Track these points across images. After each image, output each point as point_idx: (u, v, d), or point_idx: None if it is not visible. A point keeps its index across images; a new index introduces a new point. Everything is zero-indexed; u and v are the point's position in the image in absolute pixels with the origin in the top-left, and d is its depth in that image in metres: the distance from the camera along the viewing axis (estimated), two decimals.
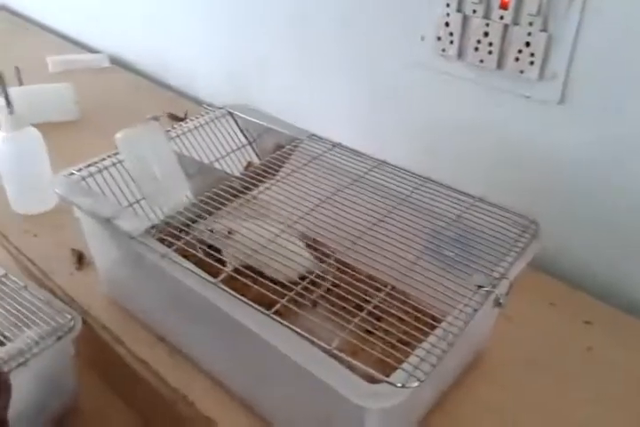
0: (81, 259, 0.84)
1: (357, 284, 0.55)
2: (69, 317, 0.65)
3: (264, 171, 0.75)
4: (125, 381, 0.71)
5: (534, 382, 0.69)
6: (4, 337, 0.63)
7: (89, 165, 0.71)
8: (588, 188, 0.82)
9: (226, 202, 0.69)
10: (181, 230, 0.63)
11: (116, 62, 1.53)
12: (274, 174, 0.75)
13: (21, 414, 0.63)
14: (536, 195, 0.87)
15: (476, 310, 0.51)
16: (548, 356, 0.72)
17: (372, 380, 0.46)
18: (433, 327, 0.50)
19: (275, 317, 0.51)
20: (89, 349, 0.72)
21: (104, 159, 0.72)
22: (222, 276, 0.55)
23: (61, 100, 1.20)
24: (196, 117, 0.83)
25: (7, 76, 0.88)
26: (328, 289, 0.55)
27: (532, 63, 0.78)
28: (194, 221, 0.66)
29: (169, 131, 0.79)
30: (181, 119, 1.18)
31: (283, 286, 0.55)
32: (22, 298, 0.67)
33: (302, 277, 0.56)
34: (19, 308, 0.65)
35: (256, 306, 0.52)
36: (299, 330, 0.49)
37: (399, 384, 0.44)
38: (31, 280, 0.71)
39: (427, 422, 0.63)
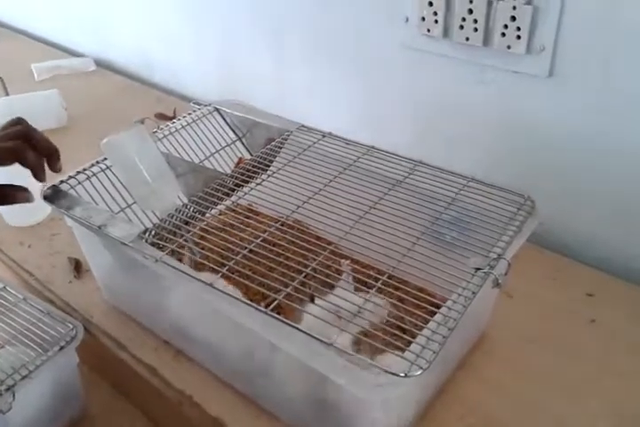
0: (78, 267, 0.83)
1: (354, 274, 0.55)
2: (71, 326, 0.64)
3: (255, 166, 0.74)
4: (132, 385, 0.71)
5: (539, 357, 0.68)
6: (7, 351, 0.62)
7: (78, 173, 0.70)
8: (580, 159, 0.81)
9: (218, 201, 0.68)
10: (175, 233, 0.62)
11: (101, 65, 1.52)
12: (266, 169, 0.74)
13: (32, 424, 0.64)
14: (530, 169, 0.86)
15: (474, 293, 0.50)
16: (552, 330, 0.72)
17: None
18: (433, 313, 0.50)
19: (273, 314, 0.50)
20: (93, 356, 0.71)
21: (93, 166, 0.71)
22: (218, 276, 0.54)
23: (49, 107, 1.20)
24: (183, 116, 0.82)
25: None
26: (324, 282, 0.55)
27: (518, 37, 0.77)
28: (187, 223, 0.65)
29: (155, 132, 0.78)
30: (170, 118, 1.17)
31: (281, 282, 0.54)
32: (22, 310, 0.66)
33: (299, 272, 0.55)
34: (19, 320, 0.65)
35: (253, 304, 0.51)
36: (297, 325, 0.49)
37: (402, 374, 0.43)
38: (30, 292, 0.71)
39: (433, 405, 0.63)
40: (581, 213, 0.85)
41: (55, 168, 0.62)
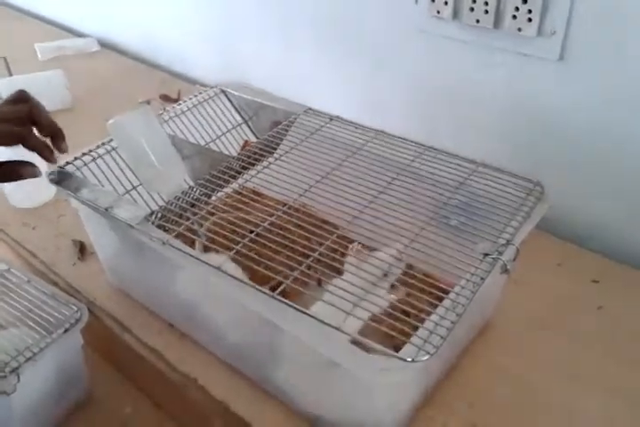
0: (83, 249, 0.83)
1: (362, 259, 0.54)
2: (75, 308, 0.64)
3: (262, 149, 0.73)
4: (136, 368, 0.71)
5: (546, 344, 0.68)
6: (11, 333, 0.62)
7: (83, 154, 0.69)
8: (590, 145, 0.80)
9: (225, 184, 0.68)
10: (181, 215, 0.62)
11: (106, 45, 1.51)
12: (272, 152, 0.73)
13: (36, 406, 0.64)
14: (539, 155, 0.85)
15: (483, 279, 0.50)
16: (559, 317, 0.72)
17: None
18: (440, 298, 0.49)
19: (280, 298, 0.50)
20: (98, 338, 0.71)
21: (98, 147, 0.71)
22: (225, 259, 0.54)
23: (53, 87, 1.19)
24: (189, 98, 0.81)
25: None
26: (331, 266, 0.54)
27: (529, 20, 0.76)
28: (193, 205, 0.64)
29: (162, 113, 0.77)
30: (175, 100, 1.16)
31: (287, 266, 0.54)
32: (26, 292, 0.66)
33: (306, 256, 0.54)
34: (23, 302, 0.65)
35: (260, 288, 0.51)
36: (304, 310, 0.48)
37: (409, 359, 0.43)
38: (34, 274, 0.71)
39: (440, 390, 0.63)
40: (587, 199, 0.84)
41: (61, 149, 0.62)
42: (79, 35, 1.59)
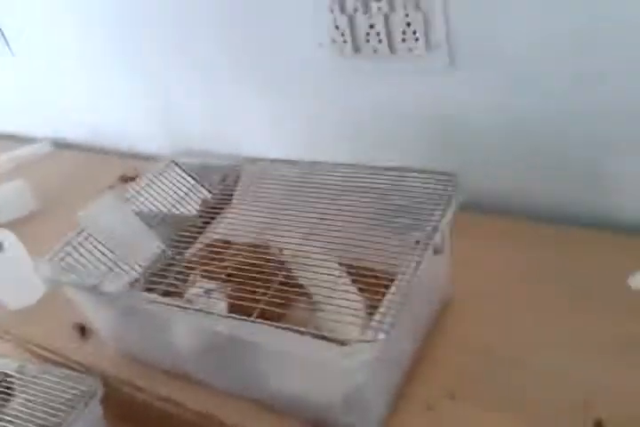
0: (83, 329, 0.88)
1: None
2: (90, 384, 0.70)
3: (218, 203, 0.81)
4: (158, 423, 0.76)
5: (507, 312, 0.75)
6: (39, 418, 0.68)
7: (64, 246, 0.75)
8: (501, 137, 0.90)
9: (193, 240, 0.75)
10: (162, 275, 0.69)
11: (58, 145, 1.55)
12: (227, 203, 0.81)
13: None
14: (457, 152, 0.95)
15: (419, 262, 0.57)
16: (512, 286, 0.78)
17: None
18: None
19: (255, 320, 0.57)
20: (117, 403, 0.75)
21: (76, 236, 0.76)
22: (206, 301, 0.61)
23: (16, 197, 1.21)
24: (146, 174, 0.88)
25: None
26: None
27: (417, 40, 0.85)
28: (171, 265, 0.72)
29: (125, 194, 0.83)
30: (133, 178, 1.21)
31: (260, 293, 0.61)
32: (42, 380, 0.73)
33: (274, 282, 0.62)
34: (42, 389, 0.71)
35: (237, 316, 0.58)
36: (281, 325, 0.55)
37: (369, 339, 0.50)
38: (44, 361, 0.78)
39: (417, 367, 0.69)
40: (503, 175, 0.94)
41: None
42: (30, 140, 1.60)
